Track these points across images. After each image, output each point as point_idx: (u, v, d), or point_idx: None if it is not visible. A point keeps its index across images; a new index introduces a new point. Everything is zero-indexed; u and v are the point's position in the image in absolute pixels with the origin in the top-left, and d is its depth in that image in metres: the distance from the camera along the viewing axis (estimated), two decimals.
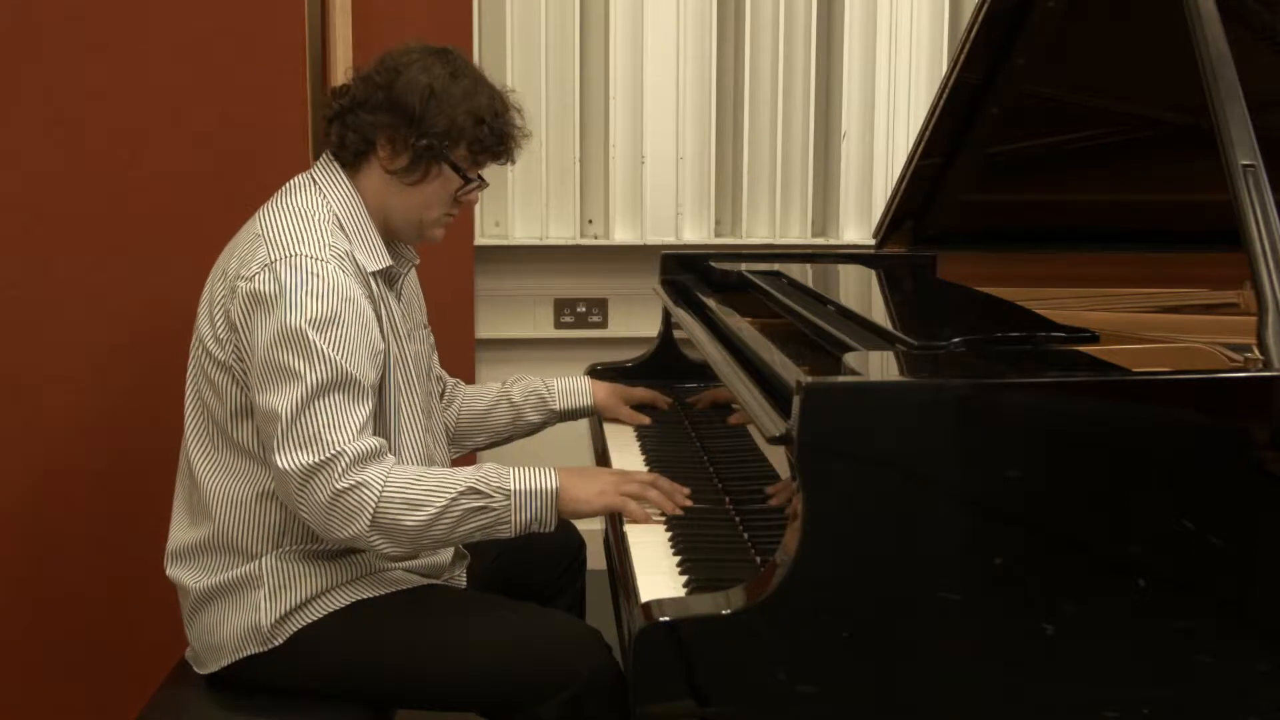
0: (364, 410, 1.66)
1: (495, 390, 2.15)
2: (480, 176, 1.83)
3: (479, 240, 3.24)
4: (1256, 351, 1.40)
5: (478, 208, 3.22)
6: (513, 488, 1.67)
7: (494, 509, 1.66)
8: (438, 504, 1.64)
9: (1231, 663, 1.34)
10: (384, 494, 1.63)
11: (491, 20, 3.24)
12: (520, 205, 3.30)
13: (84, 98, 2.30)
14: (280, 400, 1.62)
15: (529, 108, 3.22)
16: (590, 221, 3.39)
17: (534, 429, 2.18)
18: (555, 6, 3.25)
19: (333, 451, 1.61)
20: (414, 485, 1.65)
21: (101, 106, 2.31)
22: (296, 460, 1.61)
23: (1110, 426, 1.33)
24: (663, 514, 1.71)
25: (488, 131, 1.77)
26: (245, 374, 1.69)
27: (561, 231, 3.34)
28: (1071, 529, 1.32)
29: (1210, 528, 1.32)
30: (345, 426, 1.63)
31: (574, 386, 2.17)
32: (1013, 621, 1.32)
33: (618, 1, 3.27)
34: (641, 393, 2.24)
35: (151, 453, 2.10)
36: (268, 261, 1.66)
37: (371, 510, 1.62)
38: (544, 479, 1.69)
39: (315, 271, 1.65)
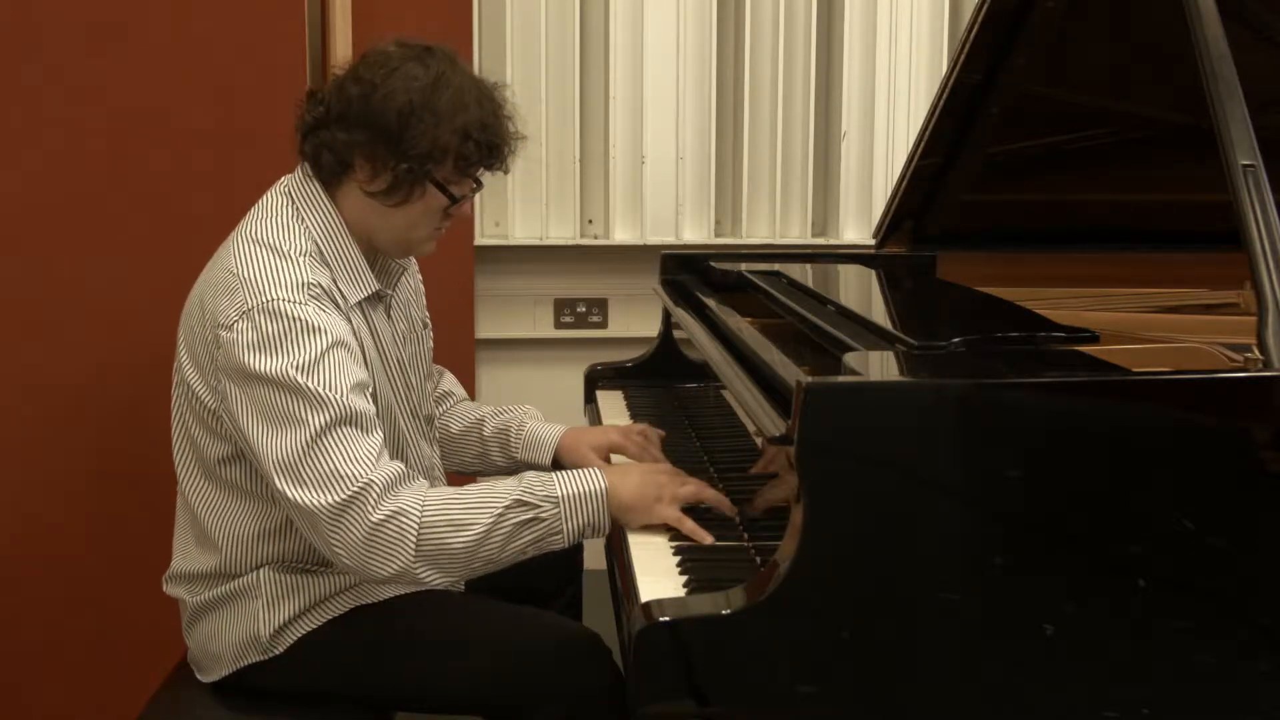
0: (375, 439, 1.59)
1: (474, 417, 2.01)
2: (478, 180, 1.73)
3: (479, 240, 3.24)
4: (1256, 351, 1.40)
5: (478, 208, 3.22)
6: (560, 493, 1.59)
7: (544, 519, 1.58)
8: (484, 521, 1.55)
9: (1232, 663, 1.34)
10: (424, 518, 1.54)
11: (491, 20, 3.23)
12: (520, 205, 3.30)
13: (84, 98, 2.30)
14: (281, 446, 1.54)
15: (529, 108, 3.26)
16: (590, 221, 3.39)
17: (501, 471, 1.98)
18: (555, 6, 3.25)
19: (359, 485, 1.53)
20: (455, 504, 1.56)
21: (101, 106, 2.31)
22: (318, 499, 1.53)
23: (1110, 426, 1.33)
24: None
25: (474, 147, 1.64)
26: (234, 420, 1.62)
27: (561, 231, 3.34)
28: (1072, 529, 1.32)
29: (1210, 528, 1.32)
30: (361, 459, 1.54)
31: (541, 437, 1.95)
32: (1013, 621, 1.32)
33: (618, 1, 3.27)
34: (617, 438, 1.94)
35: (152, 453, 2.10)
36: (245, 309, 1.57)
37: (414, 538, 1.54)
38: (590, 480, 1.61)
39: (294, 316, 1.56)
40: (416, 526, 1.54)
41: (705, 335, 1.96)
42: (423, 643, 1.71)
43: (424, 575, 1.57)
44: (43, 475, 2.33)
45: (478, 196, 3.19)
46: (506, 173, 1.74)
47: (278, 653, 1.70)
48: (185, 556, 1.78)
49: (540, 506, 1.58)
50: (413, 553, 1.54)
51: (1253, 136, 1.48)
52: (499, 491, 1.59)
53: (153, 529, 1.97)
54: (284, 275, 1.60)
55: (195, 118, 2.36)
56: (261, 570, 1.71)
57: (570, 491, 1.59)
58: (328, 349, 1.57)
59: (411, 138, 1.61)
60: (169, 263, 2.27)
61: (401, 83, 1.62)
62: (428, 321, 1.95)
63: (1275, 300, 1.40)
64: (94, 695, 2.38)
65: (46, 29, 2.27)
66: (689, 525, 1.60)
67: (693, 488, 1.65)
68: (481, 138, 1.65)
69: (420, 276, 1.95)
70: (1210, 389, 1.36)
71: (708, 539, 1.59)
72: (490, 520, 1.56)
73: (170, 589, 1.80)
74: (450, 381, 2.08)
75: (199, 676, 1.78)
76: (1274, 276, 1.41)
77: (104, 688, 2.37)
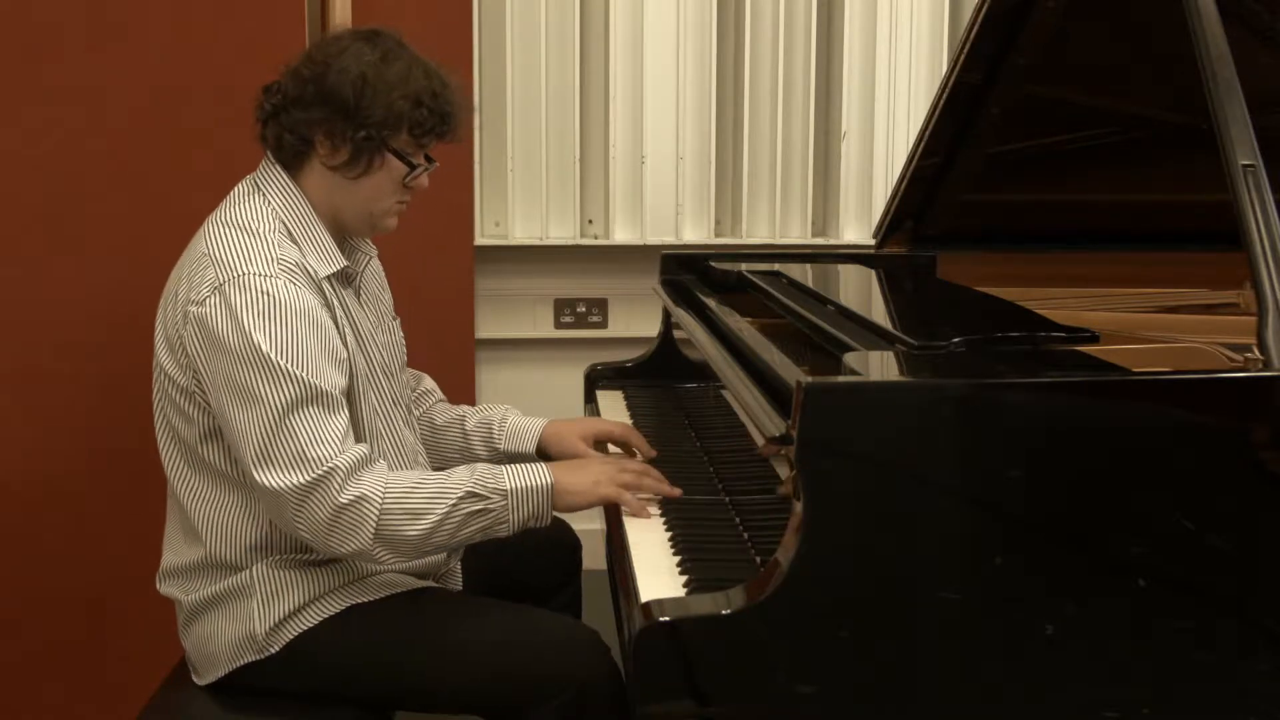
0: (341, 419, 1.64)
1: (455, 414, 2.05)
2: (429, 158, 1.78)
3: (479, 240, 3.24)
4: (1256, 351, 1.40)
5: (477, 208, 3.22)
6: (509, 487, 1.67)
7: (492, 510, 1.66)
8: (438, 511, 1.63)
9: (1231, 663, 1.34)
10: (384, 505, 1.61)
11: (491, 20, 3.24)
12: (520, 205, 3.30)
13: (84, 98, 2.30)
14: (250, 422, 1.59)
15: (529, 108, 3.26)
16: (590, 221, 3.39)
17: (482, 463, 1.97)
18: (555, 6, 3.25)
19: (325, 468, 1.59)
20: (413, 494, 1.64)
21: (101, 106, 2.31)
22: (286, 480, 1.59)
23: (1110, 426, 1.33)
24: (663, 513, 1.71)
25: (427, 113, 1.71)
26: (207, 398, 1.66)
27: (561, 231, 3.34)
28: (1071, 529, 1.32)
29: (1210, 528, 1.32)
30: (328, 440, 1.60)
31: (524, 428, 2.00)
32: (1013, 621, 1.32)
33: (618, 1, 3.27)
34: (605, 426, 2.00)
35: (151, 452, 2.11)
36: (217, 284, 1.62)
37: (374, 524, 1.61)
38: (537, 475, 1.69)
39: (265, 290, 1.61)
40: (377, 514, 1.62)
41: (705, 335, 1.96)
42: (421, 642, 1.71)
43: (379, 556, 1.66)
44: (43, 475, 2.33)
45: (478, 196, 3.25)
46: (458, 141, 1.80)
47: (274, 652, 1.70)
48: (175, 550, 1.79)
49: (490, 499, 1.67)
50: (371, 537, 1.62)
51: (1253, 136, 1.48)
52: (453, 483, 1.66)
53: (150, 530, 1.97)
54: (255, 251, 1.65)
55: (195, 118, 2.36)
56: (254, 567, 1.71)
57: (518, 485, 1.68)
58: (298, 323, 1.62)
59: (367, 107, 1.68)
60: (169, 262, 2.27)
61: (353, 59, 1.69)
62: (395, 315, 1.98)
63: (1275, 300, 1.40)
64: (92, 698, 2.38)
65: (46, 29, 2.27)
66: (627, 498, 1.72)
67: (631, 476, 1.75)
68: (433, 104, 1.71)
69: (383, 271, 1.97)
70: (1210, 389, 1.36)
71: (649, 515, 1.71)
72: (444, 510, 1.64)
73: (164, 588, 1.81)
74: (430, 383, 2.12)
75: (195, 679, 1.78)
76: (1274, 276, 1.41)
77: (102, 690, 2.37)
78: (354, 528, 1.61)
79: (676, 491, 1.75)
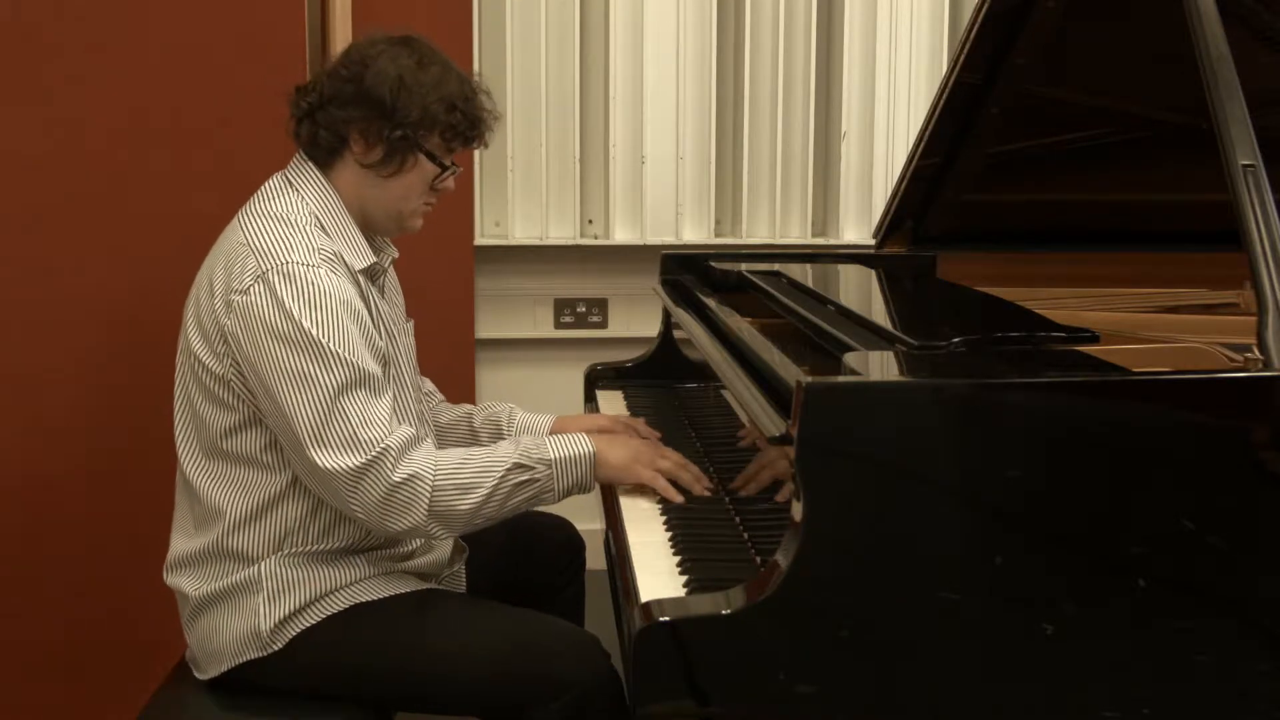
0: (386, 401, 1.68)
1: (460, 411, 2.10)
2: (454, 162, 1.82)
3: (479, 240, 3.24)
4: (1256, 351, 1.40)
5: (477, 208, 3.22)
6: (553, 457, 1.73)
7: (538, 480, 1.72)
8: (488, 484, 1.69)
9: (1231, 663, 1.34)
10: (436, 483, 1.66)
11: (491, 20, 3.24)
12: (520, 205, 3.31)
13: (84, 98, 2.30)
14: (301, 406, 1.62)
15: (529, 108, 3.27)
16: (590, 221, 3.39)
17: None
18: (555, 6, 3.25)
19: (377, 450, 1.63)
20: (462, 469, 1.69)
21: (101, 106, 2.31)
22: (340, 462, 1.63)
23: (1110, 426, 1.33)
24: (663, 512, 1.72)
25: (460, 117, 1.77)
26: (246, 385, 1.68)
27: (561, 231, 3.35)
28: (1072, 529, 1.32)
29: (1210, 528, 1.32)
30: (377, 422, 1.65)
31: (533, 424, 2.05)
32: (1012, 621, 1.32)
33: (618, 1, 3.27)
34: (605, 423, 2.03)
35: (153, 450, 2.11)
36: (260, 272, 1.65)
37: (427, 500, 1.66)
38: (579, 444, 1.76)
39: (309, 279, 1.65)
40: (429, 490, 1.66)
41: (705, 335, 1.96)
42: (423, 643, 1.71)
43: (433, 530, 1.71)
44: (42, 473, 2.33)
45: (478, 196, 3.25)
46: (485, 146, 1.88)
47: (277, 648, 1.71)
48: (186, 535, 1.79)
49: (535, 469, 1.73)
50: (425, 513, 1.67)
51: (1253, 136, 1.48)
52: (499, 456, 1.72)
53: (151, 530, 1.97)
54: (295, 241, 1.69)
55: (195, 118, 2.36)
56: (263, 562, 1.72)
57: (562, 455, 1.75)
58: (340, 311, 1.66)
59: (404, 107, 1.73)
60: (169, 262, 2.27)
61: (389, 63, 1.74)
62: (409, 317, 2.01)
63: (1275, 300, 1.40)
64: (93, 697, 2.38)
65: (47, 29, 2.27)
66: (661, 483, 1.76)
67: (670, 463, 1.79)
68: (465, 108, 1.78)
69: (396, 275, 2.00)
70: (1210, 389, 1.36)
71: (678, 498, 1.75)
72: (493, 483, 1.70)
73: (171, 579, 1.81)
74: (430, 385, 2.15)
75: (196, 674, 1.78)
76: (1274, 276, 1.41)
77: (103, 689, 2.37)
78: (408, 505, 1.65)
79: (706, 492, 1.77)
